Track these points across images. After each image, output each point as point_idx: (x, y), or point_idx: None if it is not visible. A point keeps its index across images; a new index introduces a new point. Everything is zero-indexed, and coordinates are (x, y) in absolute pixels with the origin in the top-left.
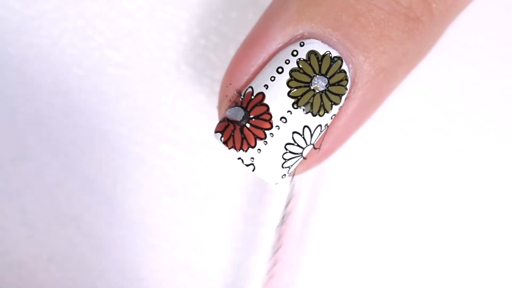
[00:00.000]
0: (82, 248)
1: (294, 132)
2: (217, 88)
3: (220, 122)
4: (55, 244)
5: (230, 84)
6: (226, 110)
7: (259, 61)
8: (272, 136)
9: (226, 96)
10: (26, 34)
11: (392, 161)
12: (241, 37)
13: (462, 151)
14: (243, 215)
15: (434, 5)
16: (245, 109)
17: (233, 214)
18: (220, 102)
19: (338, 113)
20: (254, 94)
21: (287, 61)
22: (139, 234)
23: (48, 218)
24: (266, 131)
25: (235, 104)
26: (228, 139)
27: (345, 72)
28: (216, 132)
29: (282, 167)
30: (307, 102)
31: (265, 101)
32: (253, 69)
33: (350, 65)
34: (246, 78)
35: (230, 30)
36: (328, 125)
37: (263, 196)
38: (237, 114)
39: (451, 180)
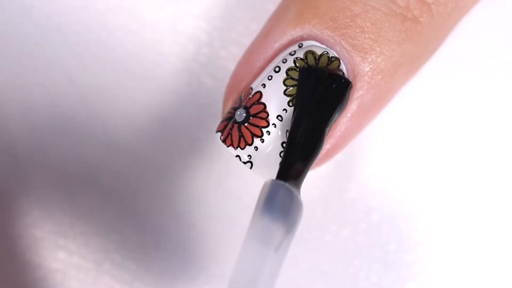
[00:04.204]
0: (101, 252)
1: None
2: None
3: (221, 122)
4: (76, 249)
5: (234, 87)
6: (228, 112)
7: (260, 64)
8: (268, 134)
9: (229, 99)
10: (50, 46)
11: (393, 162)
12: None
13: (463, 154)
14: None
15: (434, 6)
16: (245, 107)
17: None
18: (224, 104)
19: None
20: (252, 93)
21: (284, 60)
22: (158, 242)
23: (69, 225)
24: (263, 129)
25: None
26: (227, 137)
27: (342, 72)
28: (217, 131)
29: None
30: None
31: (262, 100)
32: (254, 71)
33: (348, 66)
34: (248, 80)
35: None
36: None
37: None
38: (241, 114)
39: (453, 181)
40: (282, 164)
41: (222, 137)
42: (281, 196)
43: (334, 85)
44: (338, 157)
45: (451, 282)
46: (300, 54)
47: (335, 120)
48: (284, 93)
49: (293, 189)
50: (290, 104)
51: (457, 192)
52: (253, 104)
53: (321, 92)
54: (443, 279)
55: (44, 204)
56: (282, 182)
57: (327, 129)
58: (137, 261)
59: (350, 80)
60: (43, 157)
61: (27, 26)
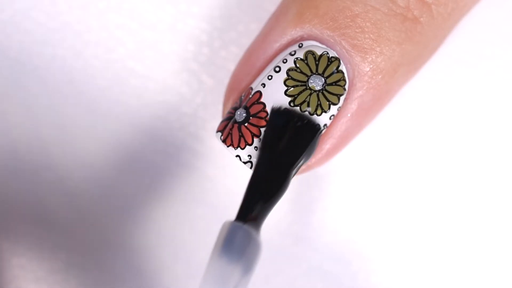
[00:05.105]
0: (102, 253)
1: None
2: None
3: (221, 122)
4: (77, 248)
5: (234, 87)
6: (229, 112)
7: (260, 64)
8: (293, 107)
9: (229, 99)
10: (50, 45)
11: (394, 163)
12: None
13: (462, 153)
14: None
15: (434, 6)
16: (245, 107)
17: None
18: (224, 103)
19: (337, 114)
20: (252, 93)
21: (285, 61)
22: (160, 242)
23: (71, 224)
24: (262, 129)
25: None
26: (227, 137)
27: (342, 72)
28: (217, 131)
29: None
30: (304, 101)
31: (262, 99)
32: (254, 71)
33: (349, 66)
34: (249, 80)
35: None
36: (327, 125)
37: (281, 205)
38: (241, 114)
39: (453, 182)
40: (242, 205)
41: (222, 137)
42: (239, 238)
43: (303, 129)
44: (338, 157)
45: (452, 281)
46: (300, 54)
47: (303, 163)
48: (285, 93)
49: (252, 231)
50: (291, 104)
51: (455, 194)
52: (253, 104)
53: (289, 135)
54: (444, 277)
55: (46, 203)
56: (240, 224)
57: (293, 172)
58: (138, 260)
59: (321, 126)
60: (44, 156)
61: (27, 25)
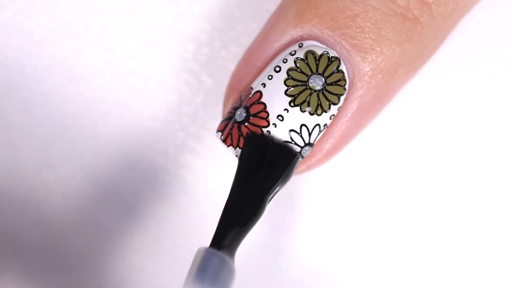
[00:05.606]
0: (103, 253)
1: (291, 130)
2: None
3: (221, 121)
4: (77, 248)
5: (234, 87)
6: (229, 112)
7: (260, 64)
8: (269, 134)
9: (230, 99)
10: (50, 45)
11: (394, 163)
12: None
13: (461, 151)
14: (264, 224)
15: (434, 6)
16: (245, 107)
17: None
18: (224, 103)
19: (337, 113)
20: (252, 93)
21: (285, 60)
22: (160, 242)
23: (71, 226)
24: (263, 129)
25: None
26: (227, 137)
27: (343, 72)
28: (217, 131)
29: None
30: (304, 101)
31: (262, 99)
32: (255, 71)
33: (349, 66)
34: (249, 80)
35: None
36: (327, 125)
37: (283, 205)
38: (241, 114)
39: (453, 183)
40: (216, 231)
41: (222, 137)
42: (214, 265)
43: (279, 155)
44: (338, 157)
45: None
46: (301, 54)
47: (279, 189)
48: (285, 93)
49: (226, 257)
50: (292, 104)
51: (456, 194)
52: (253, 103)
53: (265, 161)
54: (443, 278)
55: (46, 203)
56: (215, 251)
57: (269, 198)
58: (138, 260)
59: (298, 151)
60: (44, 156)
61: (27, 25)
